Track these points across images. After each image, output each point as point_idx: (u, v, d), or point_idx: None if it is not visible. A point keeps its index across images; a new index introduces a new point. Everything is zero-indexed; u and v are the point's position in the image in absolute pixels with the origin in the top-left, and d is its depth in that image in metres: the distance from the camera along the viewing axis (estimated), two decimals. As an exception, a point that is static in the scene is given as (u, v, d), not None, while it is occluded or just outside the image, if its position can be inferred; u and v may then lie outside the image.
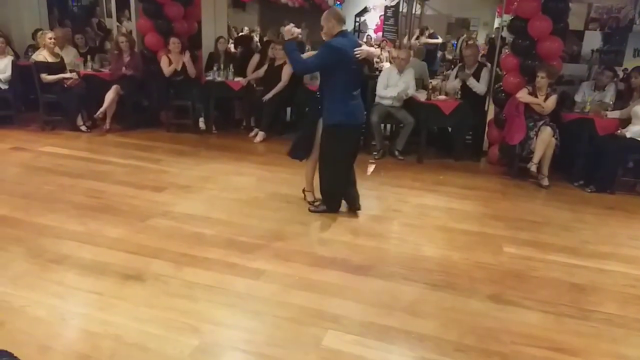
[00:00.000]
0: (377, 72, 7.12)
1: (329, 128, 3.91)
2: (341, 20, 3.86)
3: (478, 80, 6.10)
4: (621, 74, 6.02)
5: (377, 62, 9.16)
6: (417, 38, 10.30)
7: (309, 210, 4.23)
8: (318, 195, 4.28)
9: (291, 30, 3.85)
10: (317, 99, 4.00)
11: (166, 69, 6.62)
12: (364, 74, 4.02)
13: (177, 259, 3.29)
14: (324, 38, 3.88)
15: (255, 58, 7.14)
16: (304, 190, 4.40)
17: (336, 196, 4.20)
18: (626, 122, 5.16)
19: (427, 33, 10.71)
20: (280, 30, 12.98)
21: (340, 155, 4.01)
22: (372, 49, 4.05)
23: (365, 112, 4.02)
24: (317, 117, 4.02)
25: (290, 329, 2.62)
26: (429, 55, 9.90)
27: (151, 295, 2.86)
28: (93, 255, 3.29)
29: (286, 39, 3.91)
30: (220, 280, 3.05)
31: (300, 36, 4.35)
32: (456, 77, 6.30)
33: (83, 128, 6.57)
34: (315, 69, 4.00)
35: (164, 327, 2.57)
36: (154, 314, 2.67)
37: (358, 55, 3.77)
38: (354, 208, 4.24)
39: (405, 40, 10.32)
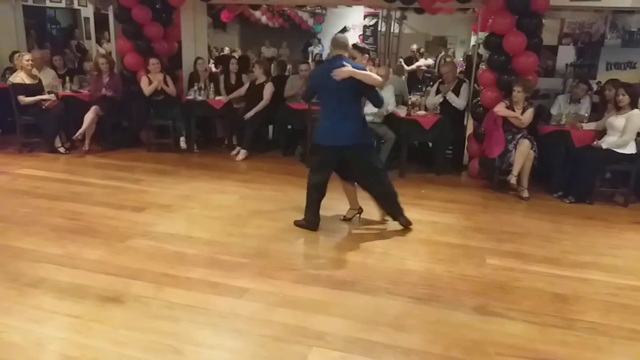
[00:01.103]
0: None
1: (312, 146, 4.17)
2: (337, 46, 3.98)
3: (458, 96, 6.20)
4: (595, 87, 6.18)
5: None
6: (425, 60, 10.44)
7: (294, 223, 4.26)
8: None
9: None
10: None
11: (146, 88, 6.59)
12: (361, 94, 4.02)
13: (157, 279, 3.23)
14: None
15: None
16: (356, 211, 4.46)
17: (312, 212, 4.19)
18: (601, 133, 5.27)
19: (419, 54, 10.76)
20: (261, 50, 13.13)
21: (314, 171, 4.18)
22: (359, 71, 3.83)
23: (344, 133, 3.94)
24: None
25: (274, 348, 2.58)
26: (410, 75, 9.93)
27: (131, 317, 2.80)
28: (71, 278, 3.21)
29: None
30: (202, 300, 3.00)
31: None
32: (437, 92, 6.38)
33: (61, 150, 6.48)
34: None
35: (144, 350, 2.51)
36: (133, 337, 2.61)
37: (335, 77, 3.78)
38: (401, 224, 4.27)
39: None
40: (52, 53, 7.86)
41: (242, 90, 6.92)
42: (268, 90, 6.65)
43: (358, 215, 4.45)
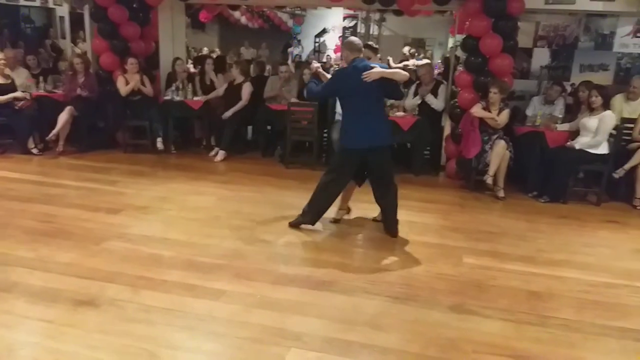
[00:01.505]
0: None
1: (336, 149, 4.13)
2: (354, 49, 3.95)
3: (436, 97, 6.25)
4: (569, 89, 6.30)
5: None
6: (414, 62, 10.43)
7: (289, 224, 4.24)
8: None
9: (311, 67, 4.33)
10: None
11: (123, 88, 6.50)
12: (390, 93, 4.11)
13: (133, 282, 3.18)
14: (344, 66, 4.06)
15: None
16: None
17: (319, 211, 4.18)
18: (575, 134, 5.38)
19: (416, 54, 10.68)
20: (240, 50, 13.06)
21: (334, 174, 4.11)
22: (387, 70, 3.90)
23: (378, 134, 3.97)
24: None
25: (251, 350, 2.56)
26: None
27: (105, 321, 2.75)
28: (44, 282, 3.14)
29: (311, 74, 4.28)
30: (179, 303, 2.96)
31: (319, 69, 4.56)
32: (415, 94, 6.43)
33: (35, 151, 6.35)
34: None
35: (118, 354, 2.47)
36: (108, 341, 2.56)
37: (365, 79, 3.77)
38: (389, 234, 4.20)
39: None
40: (26, 52, 7.68)
41: (220, 91, 6.88)
42: (246, 90, 6.62)
43: (346, 214, 4.47)
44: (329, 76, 4.31)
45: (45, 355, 2.44)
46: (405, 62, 10.66)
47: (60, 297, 2.96)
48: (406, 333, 2.77)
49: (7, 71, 6.35)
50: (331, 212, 4.37)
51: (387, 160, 4.11)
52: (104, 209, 4.49)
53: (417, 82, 6.77)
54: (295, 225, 4.21)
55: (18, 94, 6.27)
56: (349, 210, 4.49)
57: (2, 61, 6.21)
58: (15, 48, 7.92)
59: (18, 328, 2.66)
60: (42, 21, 10.64)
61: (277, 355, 2.51)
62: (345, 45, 4.05)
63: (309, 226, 4.22)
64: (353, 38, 4.22)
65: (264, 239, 3.99)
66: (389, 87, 3.96)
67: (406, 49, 11.75)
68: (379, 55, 4.46)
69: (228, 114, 6.56)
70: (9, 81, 6.32)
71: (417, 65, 10.37)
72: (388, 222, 4.22)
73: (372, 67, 3.85)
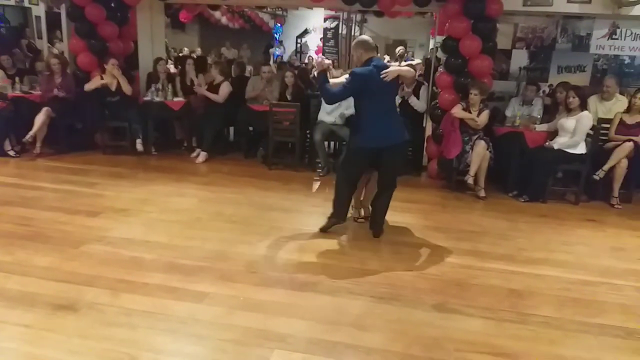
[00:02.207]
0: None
1: (351, 147, 4.08)
2: (369, 48, 3.92)
3: (417, 99, 6.29)
4: (547, 90, 6.41)
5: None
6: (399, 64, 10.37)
7: (320, 229, 4.24)
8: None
9: (322, 62, 3.99)
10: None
11: (88, 84, 6.44)
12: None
13: (113, 285, 3.13)
14: (355, 67, 3.98)
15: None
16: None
17: (344, 209, 4.22)
18: (553, 134, 5.46)
19: (406, 55, 10.57)
20: (221, 51, 12.98)
21: (349, 171, 4.13)
22: (403, 68, 4.02)
23: (397, 132, 4.01)
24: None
25: (235, 352, 2.54)
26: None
27: (85, 325, 2.70)
28: (21, 286, 3.07)
29: (318, 70, 4.04)
30: (160, 306, 2.92)
31: (331, 66, 4.40)
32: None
33: (11, 153, 6.20)
34: (342, 96, 4.01)
35: (99, 359, 2.43)
36: (88, 345, 2.52)
37: (385, 78, 3.77)
38: (374, 233, 4.23)
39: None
40: (2, 52, 7.52)
41: (219, 98, 6.79)
42: (224, 89, 6.58)
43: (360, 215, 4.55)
44: (335, 73, 4.26)
45: (23, 361, 2.39)
46: (411, 62, 10.65)
47: (38, 302, 2.90)
48: (390, 333, 2.78)
49: (-18, 71, 6.21)
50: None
51: (403, 156, 4.17)
52: (82, 212, 4.41)
53: (400, 82, 6.81)
54: (325, 229, 4.22)
55: None
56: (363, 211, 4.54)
57: (-24, 61, 6.07)
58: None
59: (-6, 334, 2.60)
60: (18, 20, 10.42)
61: (261, 357, 2.50)
62: (360, 44, 3.93)
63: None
64: (366, 37, 4.17)
65: (246, 241, 3.96)
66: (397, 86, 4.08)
67: (398, 49, 11.78)
68: (378, 54, 4.46)
69: (201, 91, 6.58)
70: (-16, 81, 6.17)
71: (413, 65, 10.43)
72: (375, 222, 4.24)
73: (389, 66, 3.91)
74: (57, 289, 3.06)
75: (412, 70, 4.17)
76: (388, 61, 9.96)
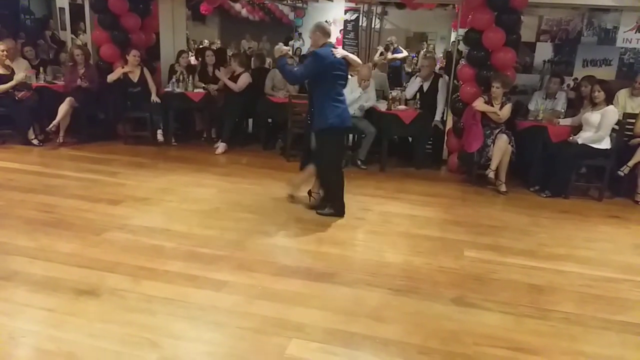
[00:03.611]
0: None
1: (322, 132, 4.17)
2: (326, 33, 4.17)
3: (435, 93, 6.21)
4: (572, 84, 6.28)
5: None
6: (382, 54, 10.21)
7: (317, 212, 4.37)
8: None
9: (280, 48, 4.22)
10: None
11: (110, 75, 6.53)
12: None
13: (134, 272, 3.18)
14: (311, 49, 4.24)
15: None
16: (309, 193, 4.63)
17: (339, 197, 4.37)
18: (577, 129, 5.36)
19: (392, 48, 10.56)
20: (241, 43, 13.02)
21: (334, 157, 4.29)
22: (350, 54, 4.26)
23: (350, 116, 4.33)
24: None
25: (253, 340, 2.56)
26: (394, 73, 9.86)
27: (107, 310, 2.75)
28: (44, 271, 3.14)
29: (276, 56, 4.26)
30: (180, 293, 2.96)
31: (289, 52, 4.69)
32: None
33: (35, 142, 6.33)
34: (304, 76, 4.29)
35: (120, 343, 2.46)
36: (109, 330, 2.56)
37: (336, 54, 4.02)
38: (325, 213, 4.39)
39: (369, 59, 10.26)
40: (23, 44, 7.65)
41: (220, 83, 6.84)
42: (243, 79, 6.60)
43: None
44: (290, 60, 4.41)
45: (47, 343, 2.44)
46: (396, 56, 10.40)
47: (61, 286, 2.95)
48: (408, 325, 2.76)
49: (8, 62, 6.31)
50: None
51: (319, 145, 4.25)
52: (104, 200, 4.48)
53: (417, 73, 6.77)
54: (327, 215, 4.35)
55: (21, 75, 6.21)
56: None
57: (4, 52, 6.18)
58: (16, 39, 7.89)
59: (19, 316, 2.65)
60: (42, 12, 10.61)
61: (278, 345, 2.51)
62: (318, 28, 4.15)
63: (326, 219, 4.30)
64: (324, 23, 4.39)
65: (264, 231, 3.98)
66: None
67: (389, 39, 11.63)
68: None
69: (222, 77, 6.67)
70: (9, 72, 6.28)
71: (399, 58, 10.27)
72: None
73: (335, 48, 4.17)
74: (79, 274, 3.11)
75: (358, 60, 4.30)
76: (381, 53, 9.94)
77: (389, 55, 10.12)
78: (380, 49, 10.16)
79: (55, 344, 2.43)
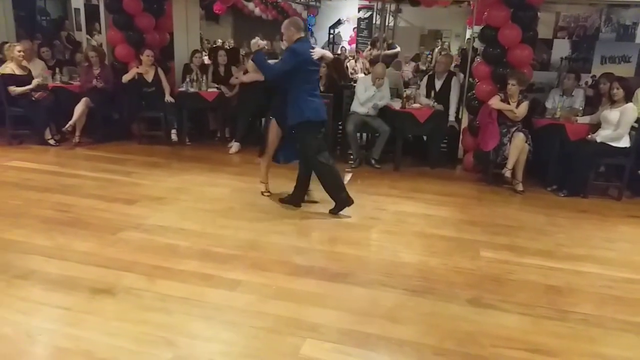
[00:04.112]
0: (353, 83, 7.15)
1: (299, 126, 4.20)
2: (300, 29, 4.22)
3: (448, 92, 6.15)
4: (590, 81, 6.17)
5: (351, 74, 9.19)
6: (370, 50, 10.17)
7: (329, 212, 4.36)
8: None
9: (257, 42, 4.27)
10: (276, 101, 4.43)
11: (125, 75, 6.57)
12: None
13: (150, 271, 3.19)
14: (284, 45, 4.25)
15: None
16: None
17: (341, 187, 4.36)
18: (596, 127, 5.26)
19: (378, 44, 10.45)
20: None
21: (315, 150, 4.25)
22: (326, 52, 4.48)
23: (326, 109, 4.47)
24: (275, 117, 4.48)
25: (267, 339, 2.55)
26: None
27: (123, 309, 2.76)
28: (61, 270, 3.17)
29: (253, 50, 4.32)
30: (195, 292, 2.96)
31: (265, 47, 4.81)
32: (427, 86, 6.34)
33: (51, 142, 6.40)
34: (281, 71, 4.19)
35: (136, 341, 2.47)
36: (125, 328, 2.58)
37: (313, 55, 4.13)
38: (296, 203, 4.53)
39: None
40: (39, 44, 7.75)
41: (234, 81, 6.85)
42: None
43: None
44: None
45: (64, 341, 2.46)
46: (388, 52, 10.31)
47: (77, 285, 2.98)
48: (423, 326, 2.74)
49: (25, 63, 6.40)
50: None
51: (300, 141, 4.34)
52: (120, 200, 4.51)
53: (431, 72, 6.70)
54: (339, 210, 4.35)
55: (39, 79, 6.30)
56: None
57: (22, 53, 6.26)
58: (32, 40, 8.00)
59: (36, 315, 2.68)
60: (58, 13, 10.73)
61: (293, 345, 2.50)
62: (292, 23, 4.20)
63: (340, 219, 4.31)
64: (297, 18, 4.47)
65: (278, 231, 3.98)
66: None
67: (376, 35, 11.58)
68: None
69: (238, 79, 6.71)
70: (27, 72, 6.36)
71: (390, 55, 10.17)
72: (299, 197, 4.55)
73: (314, 48, 4.30)
74: (95, 273, 3.14)
75: (331, 55, 4.56)
76: (370, 49, 9.96)
77: (374, 52, 10.11)
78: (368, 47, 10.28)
79: (72, 342, 2.45)
